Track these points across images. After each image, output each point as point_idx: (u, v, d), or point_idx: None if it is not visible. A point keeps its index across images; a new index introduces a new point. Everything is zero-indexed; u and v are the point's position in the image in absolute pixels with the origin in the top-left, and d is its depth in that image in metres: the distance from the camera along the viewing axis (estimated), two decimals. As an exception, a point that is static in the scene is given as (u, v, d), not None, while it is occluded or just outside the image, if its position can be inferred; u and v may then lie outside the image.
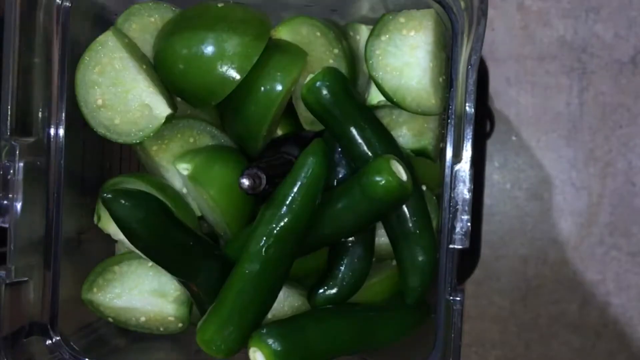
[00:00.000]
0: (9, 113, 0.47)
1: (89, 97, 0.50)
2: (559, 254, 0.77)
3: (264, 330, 0.47)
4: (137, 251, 0.49)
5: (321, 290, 0.51)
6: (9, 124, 0.47)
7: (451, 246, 0.46)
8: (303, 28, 0.53)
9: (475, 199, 0.47)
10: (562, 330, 0.77)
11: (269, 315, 0.51)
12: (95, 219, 0.54)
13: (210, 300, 0.49)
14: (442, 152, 0.49)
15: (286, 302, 0.53)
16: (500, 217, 0.78)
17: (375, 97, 0.55)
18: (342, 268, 0.51)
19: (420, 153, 0.54)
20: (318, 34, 0.53)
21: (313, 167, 0.46)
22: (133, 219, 0.45)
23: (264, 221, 0.47)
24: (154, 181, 0.53)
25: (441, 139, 0.54)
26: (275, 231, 0.46)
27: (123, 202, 0.44)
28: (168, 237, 0.47)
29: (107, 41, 0.50)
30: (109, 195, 0.44)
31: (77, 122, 0.53)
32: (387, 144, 0.50)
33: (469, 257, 0.73)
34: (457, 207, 0.45)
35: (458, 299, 0.46)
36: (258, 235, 0.47)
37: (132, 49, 0.51)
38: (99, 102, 0.50)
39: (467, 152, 0.45)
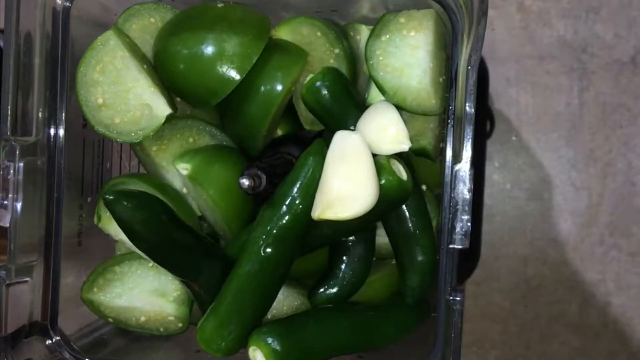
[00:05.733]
0: (9, 113, 0.47)
1: (89, 96, 0.50)
2: (559, 254, 0.77)
3: (264, 329, 0.47)
4: (138, 251, 0.49)
5: (322, 290, 0.51)
6: (9, 124, 0.47)
7: (451, 246, 0.45)
8: (303, 28, 0.53)
9: (475, 199, 0.47)
10: (562, 330, 0.77)
11: (269, 315, 0.51)
12: (95, 219, 0.54)
13: (212, 300, 0.49)
14: (442, 152, 0.49)
15: (286, 301, 0.53)
16: (500, 217, 0.78)
17: (375, 97, 0.55)
18: (343, 267, 0.51)
19: (420, 153, 0.54)
20: (319, 33, 0.53)
21: (313, 167, 0.46)
22: (135, 220, 0.45)
23: (263, 221, 0.47)
24: (154, 181, 0.53)
25: (441, 139, 0.54)
26: (275, 231, 0.46)
27: (125, 203, 0.44)
28: (170, 238, 0.47)
29: (109, 40, 0.50)
30: (111, 197, 0.44)
31: (77, 122, 0.53)
32: (387, 143, 0.49)
33: (469, 257, 0.73)
34: (457, 207, 0.45)
35: (458, 299, 0.46)
36: (258, 235, 0.47)
37: (133, 48, 0.51)
38: (100, 101, 0.50)
39: (467, 152, 0.45)
